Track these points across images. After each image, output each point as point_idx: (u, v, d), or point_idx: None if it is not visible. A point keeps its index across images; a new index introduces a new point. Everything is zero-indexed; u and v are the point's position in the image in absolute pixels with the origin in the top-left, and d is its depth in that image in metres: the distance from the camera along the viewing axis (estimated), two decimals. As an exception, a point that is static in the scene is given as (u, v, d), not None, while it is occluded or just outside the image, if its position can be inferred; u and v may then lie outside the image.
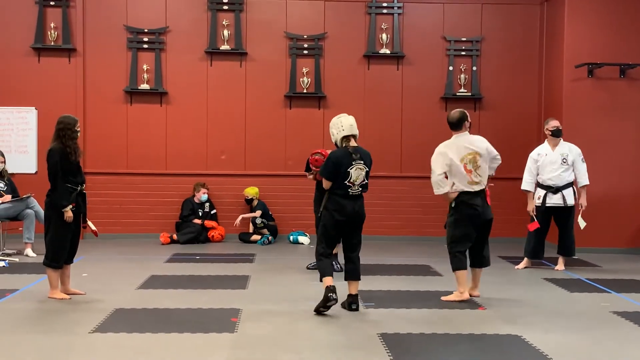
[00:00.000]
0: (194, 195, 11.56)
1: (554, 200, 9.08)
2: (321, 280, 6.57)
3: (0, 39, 11.57)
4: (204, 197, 11.53)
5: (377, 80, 11.93)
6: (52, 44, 11.55)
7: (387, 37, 11.87)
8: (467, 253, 7.23)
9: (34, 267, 8.67)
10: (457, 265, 7.16)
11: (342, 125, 6.63)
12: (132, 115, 11.76)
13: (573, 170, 9.09)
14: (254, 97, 11.87)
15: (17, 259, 9.37)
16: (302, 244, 11.46)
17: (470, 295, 7.27)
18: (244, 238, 11.54)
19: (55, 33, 11.55)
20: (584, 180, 9.04)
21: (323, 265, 6.62)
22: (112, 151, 11.70)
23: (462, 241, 7.15)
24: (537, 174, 9.19)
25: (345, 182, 6.55)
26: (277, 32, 11.87)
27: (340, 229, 6.66)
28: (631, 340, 5.90)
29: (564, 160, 9.04)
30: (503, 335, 5.95)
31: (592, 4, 10.85)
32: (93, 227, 7.34)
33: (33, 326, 6.13)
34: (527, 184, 9.26)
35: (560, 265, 9.24)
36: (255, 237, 11.50)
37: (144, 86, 11.70)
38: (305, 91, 11.84)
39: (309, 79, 11.83)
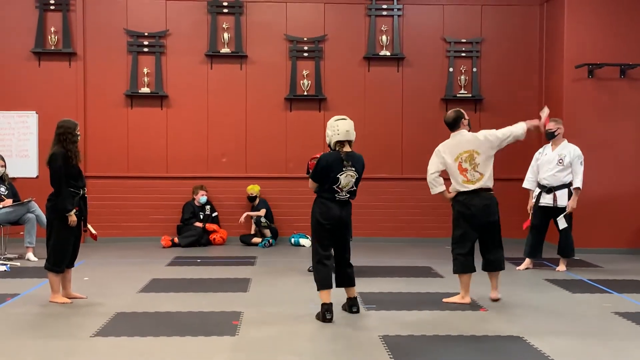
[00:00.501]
0: (194, 199, 11.57)
1: (546, 200, 9.11)
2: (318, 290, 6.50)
3: (1, 43, 11.59)
4: (203, 199, 11.54)
5: (378, 82, 11.94)
6: (53, 48, 11.56)
7: (387, 39, 11.88)
8: (469, 256, 7.13)
9: (35, 272, 8.68)
10: (456, 268, 7.15)
11: (339, 129, 6.46)
12: (133, 119, 11.77)
13: (571, 172, 9.08)
14: (255, 100, 11.87)
15: (18, 263, 9.38)
16: (304, 246, 11.46)
17: (491, 299, 7.23)
18: (245, 240, 11.55)
19: (56, 37, 11.57)
20: (576, 182, 9.01)
21: (318, 276, 6.47)
22: (113, 155, 11.71)
23: (460, 242, 7.11)
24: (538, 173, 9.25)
25: (334, 186, 6.44)
26: (277, 35, 11.88)
27: (326, 233, 6.51)
28: (633, 340, 5.90)
29: (560, 161, 9.04)
30: (505, 336, 5.95)
31: (591, 4, 10.85)
32: (93, 231, 7.34)
33: (34, 330, 6.14)
34: (527, 182, 9.38)
35: (561, 266, 9.24)
36: (257, 239, 11.51)
37: (145, 89, 11.71)
38: (305, 93, 11.85)
39: (309, 82, 11.83)
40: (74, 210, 6.93)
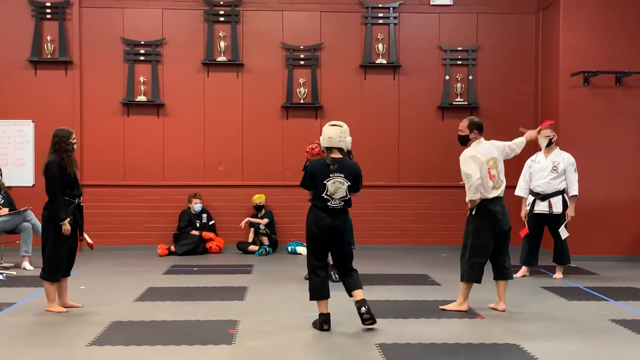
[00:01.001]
0: (190, 207, 11.56)
1: (540, 207, 9.12)
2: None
3: (-3, 52, 11.61)
4: (197, 207, 11.52)
5: (374, 90, 11.96)
6: (49, 56, 11.57)
7: (384, 47, 11.90)
8: (484, 265, 7.08)
9: (31, 281, 8.65)
10: (473, 276, 7.04)
11: (323, 135, 6.42)
12: (129, 127, 11.76)
13: (565, 179, 9.09)
14: (251, 108, 11.88)
15: (14, 272, 9.35)
16: (300, 254, 11.44)
17: (496, 309, 7.19)
18: (242, 247, 11.53)
19: (52, 46, 11.57)
20: (572, 190, 9.04)
21: (311, 286, 6.41)
22: (109, 163, 11.70)
23: (481, 251, 7.02)
24: (531, 180, 9.25)
25: (322, 195, 6.35)
26: (274, 43, 11.90)
27: (320, 242, 6.42)
28: (630, 348, 5.89)
29: (554, 168, 9.06)
30: (501, 344, 5.95)
31: (587, 12, 10.88)
32: (89, 240, 7.33)
33: (30, 339, 6.12)
34: (520, 189, 9.36)
35: (558, 274, 9.25)
36: (253, 247, 11.50)
37: (141, 98, 11.71)
38: (302, 101, 11.86)
39: (306, 90, 11.85)
40: (68, 219, 6.91)
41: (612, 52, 10.82)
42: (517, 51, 12.04)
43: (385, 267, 10.10)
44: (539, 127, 7.88)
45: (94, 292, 8.12)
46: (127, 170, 11.76)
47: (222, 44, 11.77)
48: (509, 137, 11.61)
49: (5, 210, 9.86)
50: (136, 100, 11.71)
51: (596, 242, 10.71)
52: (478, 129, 7.15)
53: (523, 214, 9.28)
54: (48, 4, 11.55)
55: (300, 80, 11.85)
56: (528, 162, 9.38)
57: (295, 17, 11.95)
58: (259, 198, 11.65)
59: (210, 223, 11.67)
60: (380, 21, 11.95)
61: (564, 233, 9.04)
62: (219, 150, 11.86)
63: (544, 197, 9.09)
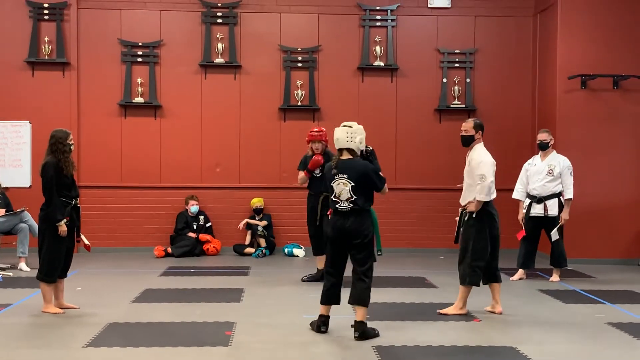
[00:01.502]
0: (187, 209, 11.55)
1: (536, 210, 9.15)
2: None
3: (-5, 53, 11.60)
4: (194, 208, 11.50)
5: (371, 92, 11.96)
6: (46, 57, 11.55)
7: (381, 50, 11.91)
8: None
9: (27, 282, 8.64)
10: (475, 280, 7.01)
11: (334, 137, 6.37)
12: (127, 129, 11.75)
13: (561, 182, 9.12)
14: (249, 110, 11.88)
15: (10, 274, 9.33)
16: (297, 256, 11.44)
17: (493, 312, 7.19)
18: (239, 250, 11.52)
19: (50, 47, 11.56)
20: (567, 193, 9.06)
21: (323, 287, 6.39)
22: (107, 164, 11.68)
23: (483, 254, 6.99)
24: (528, 184, 9.29)
25: (332, 197, 6.29)
26: (271, 45, 11.89)
27: (330, 245, 6.33)
28: (626, 351, 5.90)
29: (550, 172, 9.10)
30: (498, 347, 5.95)
31: (584, 16, 10.90)
32: (86, 242, 7.32)
33: (27, 341, 6.11)
34: (517, 192, 9.41)
35: (554, 277, 9.26)
36: (250, 249, 11.48)
37: (138, 99, 11.70)
38: (299, 104, 11.86)
39: (303, 92, 11.85)
40: (65, 220, 6.91)
41: (610, 56, 10.84)
42: (515, 54, 12.05)
43: (382, 269, 10.04)
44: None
45: (91, 294, 8.11)
46: (124, 171, 11.74)
47: (219, 45, 11.77)
48: (506, 140, 11.84)
49: (2, 211, 9.85)
50: (133, 101, 11.69)
51: (593, 245, 10.72)
52: (482, 130, 7.17)
53: (520, 217, 9.32)
54: (46, 5, 11.53)
55: (298, 82, 11.85)
56: (525, 166, 9.43)
57: (293, 19, 11.95)
58: (258, 201, 11.63)
59: (208, 225, 11.65)
60: (378, 24, 11.96)
61: (554, 235, 9.05)
62: (217, 152, 11.85)
63: (539, 199, 9.12)
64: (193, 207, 11.50)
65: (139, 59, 11.74)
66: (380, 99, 11.96)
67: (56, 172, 6.91)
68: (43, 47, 11.55)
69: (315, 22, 11.96)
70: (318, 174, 8.78)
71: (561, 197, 9.10)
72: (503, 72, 12.05)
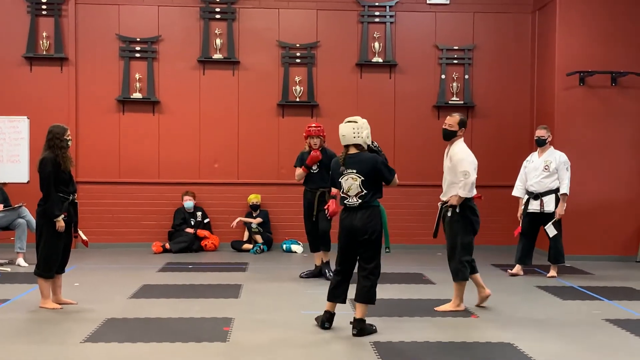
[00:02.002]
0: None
1: (533, 206, 9.19)
2: None
3: (-8, 48, 11.58)
4: (188, 204, 11.48)
5: (370, 88, 11.95)
6: (44, 53, 11.53)
7: (380, 46, 11.90)
8: None
9: (25, 277, 8.64)
10: (466, 275, 7.05)
11: (339, 133, 6.27)
12: (125, 124, 11.74)
13: (558, 178, 9.14)
14: (247, 106, 11.87)
15: (8, 269, 9.34)
16: (295, 252, 11.45)
17: (485, 299, 7.26)
18: (237, 246, 11.52)
19: (48, 42, 11.54)
20: (562, 188, 9.07)
21: (330, 284, 6.38)
22: (105, 160, 11.67)
23: (470, 249, 7.08)
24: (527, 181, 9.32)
25: (342, 193, 6.25)
26: (270, 41, 11.88)
27: (340, 240, 6.28)
28: (623, 347, 5.92)
29: (546, 168, 9.12)
30: (495, 343, 5.96)
31: (582, 12, 10.89)
32: (84, 237, 7.31)
33: (24, 336, 6.11)
34: (516, 189, 9.46)
35: (552, 273, 9.27)
36: (248, 245, 11.49)
37: (137, 95, 11.69)
38: (298, 100, 11.85)
39: (302, 88, 11.84)
40: (62, 216, 6.90)
41: (608, 52, 10.84)
42: (513, 51, 12.05)
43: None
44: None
45: (88, 289, 8.11)
46: (122, 167, 11.74)
47: (218, 41, 11.76)
48: (504, 136, 11.85)
49: (0, 207, 9.84)
50: (131, 97, 11.68)
51: (590, 242, 10.73)
52: (465, 127, 7.23)
53: (519, 214, 9.36)
54: (43, 0, 11.50)
55: (297, 78, 11.84)
56: (524, 163, 9.48)
57: (292, 15, 11.94)
58: (255, 198, 11.64)
59: (206, 221, 11.65)
60: (377, 20, 11.95)
61: (550, 230, 9.06)
62: (215, 148, 11.84)
63: (536, 196, 9.14)
64: (187, 203, 11.48)
65: (137, 55, 11.73)
66: (378, 95, 11.96)
67: (54, 168, 6.90)
68: (41, 42, 11.53)
69: (313, 18, 11.95)
70: (315, 169, 8.79)
71: (558, 193, 9.11)
72: (501, 68, 12.05)
